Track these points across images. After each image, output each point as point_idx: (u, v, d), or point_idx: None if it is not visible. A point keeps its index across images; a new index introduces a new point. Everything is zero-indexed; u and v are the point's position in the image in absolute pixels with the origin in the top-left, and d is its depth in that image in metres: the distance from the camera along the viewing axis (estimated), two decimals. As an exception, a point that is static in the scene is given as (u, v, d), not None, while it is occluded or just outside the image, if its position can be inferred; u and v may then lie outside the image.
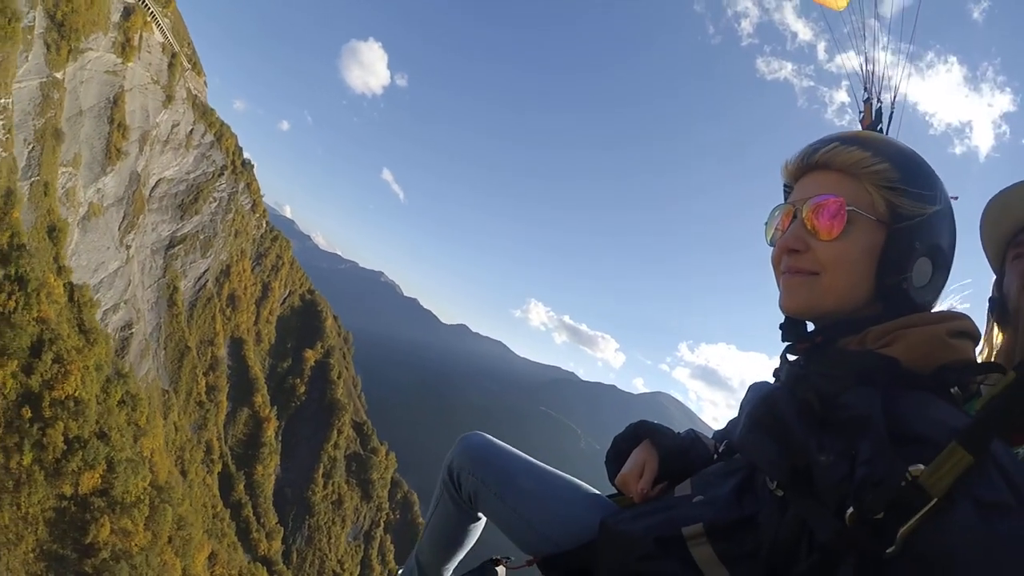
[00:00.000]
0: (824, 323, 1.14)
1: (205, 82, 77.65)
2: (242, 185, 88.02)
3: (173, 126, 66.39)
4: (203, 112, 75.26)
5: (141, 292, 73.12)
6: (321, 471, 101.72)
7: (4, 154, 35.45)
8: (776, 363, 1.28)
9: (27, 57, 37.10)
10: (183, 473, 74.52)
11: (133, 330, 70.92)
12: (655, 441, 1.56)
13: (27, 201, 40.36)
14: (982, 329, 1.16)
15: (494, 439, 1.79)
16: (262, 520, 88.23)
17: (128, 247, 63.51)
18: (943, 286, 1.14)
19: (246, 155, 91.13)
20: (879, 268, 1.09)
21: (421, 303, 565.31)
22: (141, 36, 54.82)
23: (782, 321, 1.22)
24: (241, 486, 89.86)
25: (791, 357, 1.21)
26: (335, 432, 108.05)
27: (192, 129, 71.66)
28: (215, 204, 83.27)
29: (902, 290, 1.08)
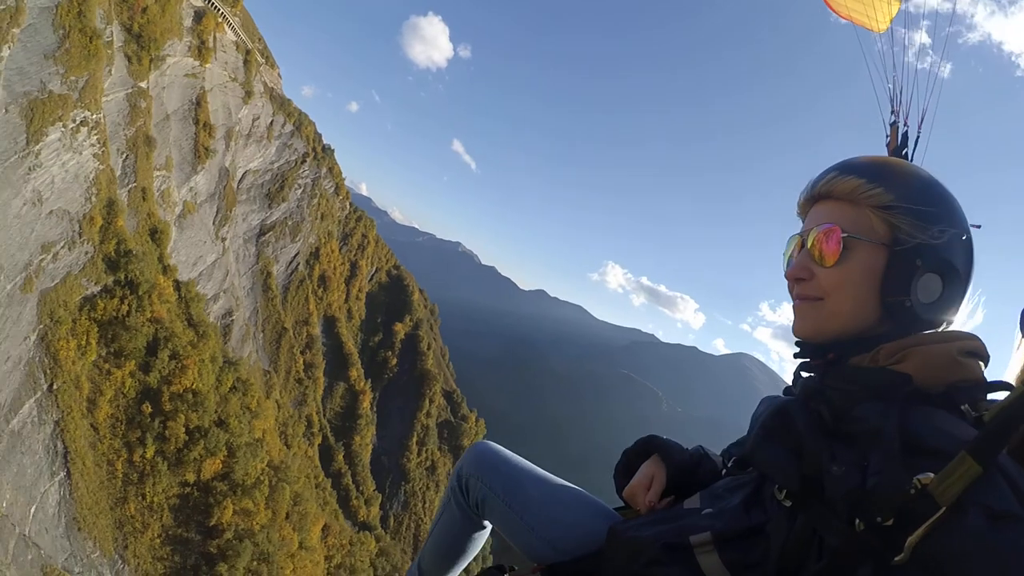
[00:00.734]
0: (835, 343, 1.17)
1: (279, 74, 79.23)
2: (324, 170, 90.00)
3: (254, 120, 68.16)
4: (281, 103, 76.95)
5: (237, 280, 77.14)
6: (415, 439, 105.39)
7: (102, 167, 37.04)
8: None
9: (110, 71, 38.42)
10: (287, 446, 79.38)
11: (233, 317, 75.20)
12: (664, 456, 1.58)
13: (127, 208, 42.26)
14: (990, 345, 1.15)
15: (503, 449, 1.79)
16: (361, 488, 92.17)
17: (223, 239, 66.64)
18: (958, 301, 1.14)
19: (325, 141, 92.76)
20: (882, 289, 1.11)
21: (499, 270, 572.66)
22: (215, 37, 56.00)
23: (797, 340, 1.25)
24: (340, 456, 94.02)
25: (805, 373, 1.25)
26: (427, 401, 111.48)
27: (272, 121, 73.38)
28: (300, 190, 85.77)
29: (906, 308, 1.10)
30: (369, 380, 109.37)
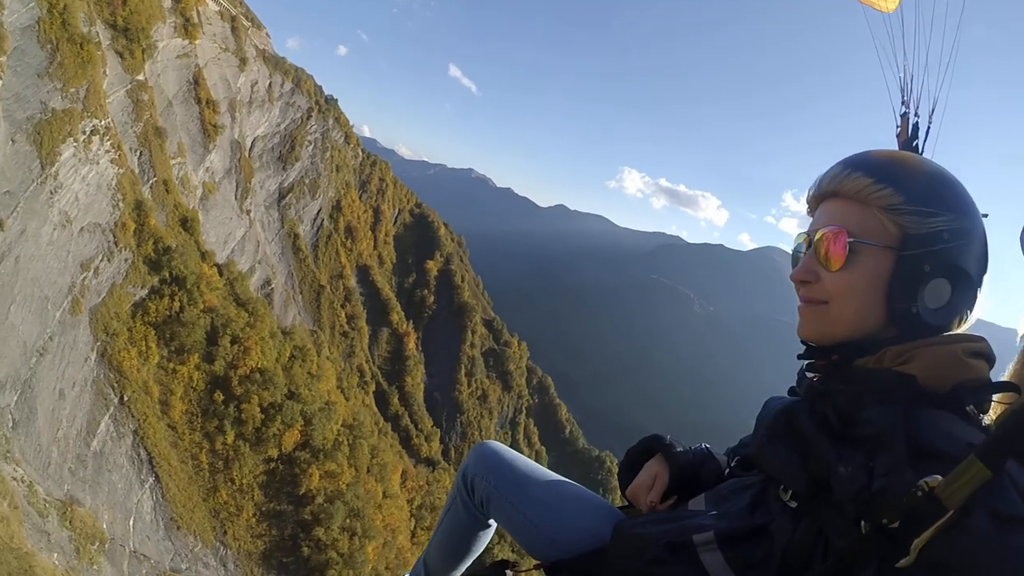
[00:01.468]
0: (840, 346, 1.16)
1: (267, 34, 75.24)
2: (331, 121, 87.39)
3: (253, 86, 65.45)
4: (275, 63, 73.86)
5: (267, 248, 77.42)
6: (463, 371, 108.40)
7: (122, 170, 36.08)
8: None
9: (105, 72, 36.51)
10: (346, 399, 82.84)
11: (272, 285, 76.24)
12: (667, 455, 1.59)
13: (153, 203, 41.55)
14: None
15: (507, 448, 1.81)
16: (419, 426, 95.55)
17: (248, 212, 66.11)
18: (968, 305, 1.12)
19: (327, 92, 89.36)
20: (889, 295, 1.10)
21: (515, 191, 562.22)
22: (197, 12, 52.83)
23: (803, 341, 1.26)
24: (395, 399, 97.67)
25: (809, 374, 1.24)
26: (469, 333, 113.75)
27: (270, 83, 70.52)
28: (311, 147, 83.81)
29: (913, 314, 1.09)
30: (410, 321, 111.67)
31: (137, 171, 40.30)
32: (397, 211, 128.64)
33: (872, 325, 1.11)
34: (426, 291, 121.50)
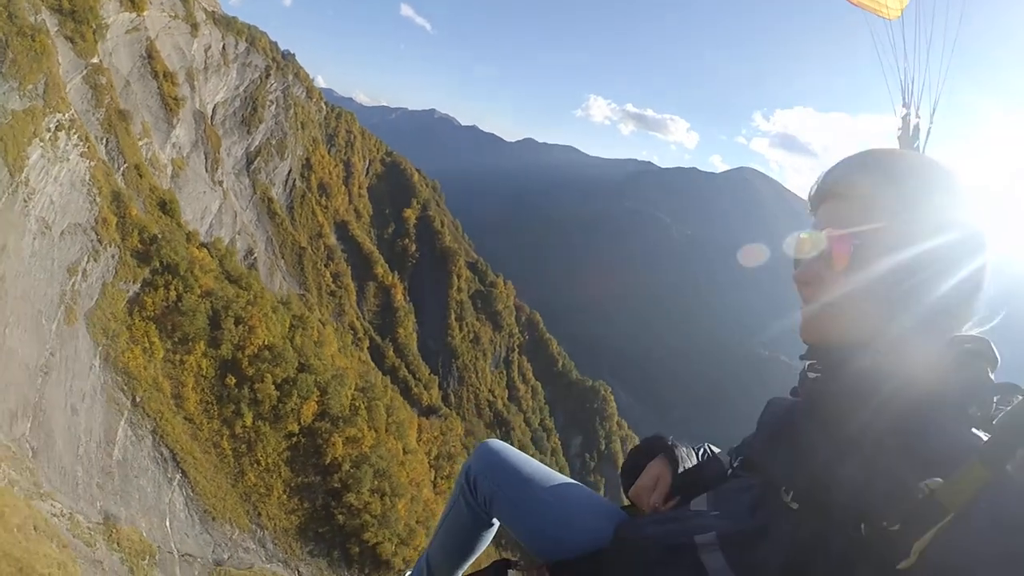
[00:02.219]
0: (842, 347, 1.16)
1: (213, -8, 69.31)
2: (291, 77, 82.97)
3: (207, 51, 61.12)
4: (226, 24, 69.13)
5: (244, 217, 74.92)
6: (453, 316, 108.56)
7: (93, 163, 33.84)
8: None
9: (58, 60, 33.22)
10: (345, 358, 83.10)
11: (255, 255, 74.43)
12: (670, 456, 1.60)
13: (129, 191, 39.49)
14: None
15: (511, 447, 1.83)
16: (417, 376, 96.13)
17: (220, 183, 63.39)
18: (971, 307, 1.10)
19: (283, 48, 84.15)
20: (891, 295, 1.09)
21: (481, 128, 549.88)
22: None
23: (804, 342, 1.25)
24: (391, 352, 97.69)
25: (811, 374, 1.23)
26: (455, 277, 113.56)
27: (224, 44, 65.99)
28: (274, 107, 79.92)
29: (916, 315, 1.08)
30: (395, 273, 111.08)
31: (107, 160, 37.85)
32: (368, 162, 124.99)
33: (875, 326, 1.10)
34: (407, 240, 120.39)
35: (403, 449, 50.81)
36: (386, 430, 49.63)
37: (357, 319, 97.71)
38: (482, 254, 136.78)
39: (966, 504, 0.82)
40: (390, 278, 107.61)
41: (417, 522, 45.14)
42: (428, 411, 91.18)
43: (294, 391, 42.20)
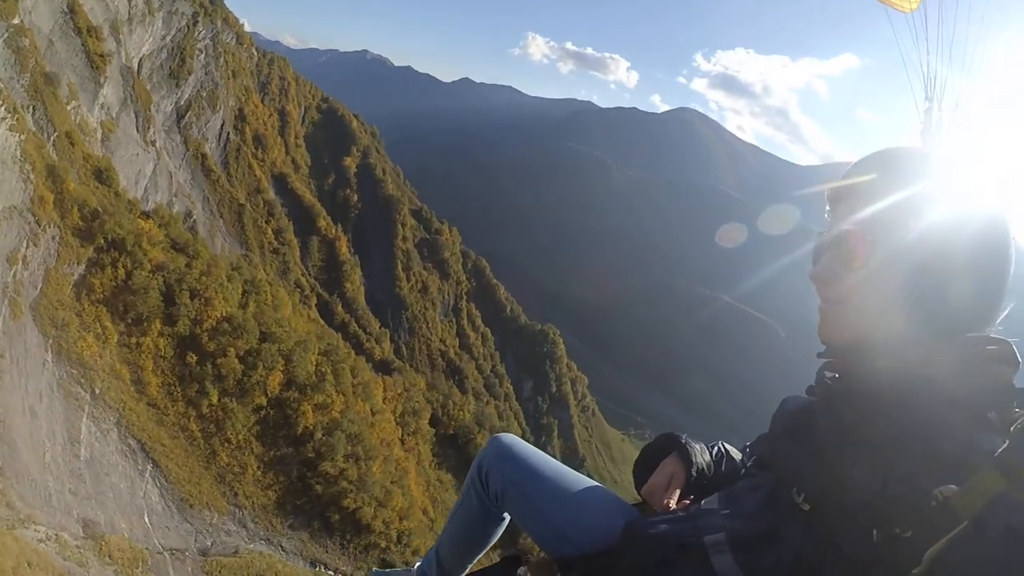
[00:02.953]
0: (859, 347, 1.16)
1: (133, -63, 60.63)
2: (219, 23, 76.20)
3: (130, 1, 54.36)
4: None
5: (178, 176, 70.16)
6: (399, 267, 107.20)
7: (23, 136, 30.71)
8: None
9: None
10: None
11: (194, 216, 70.42)
12: (683, 455, 1.59)
13: (63, 163, 36.35)
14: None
15: (523, 442, 1.87)
16: (368, 330, 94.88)
17: (153, 142, 58.80)
18: (993, 306, 1.09)
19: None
20: (909, 294, 1.07)
21: (416, 68, 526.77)
22: None
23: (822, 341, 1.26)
24: (339, 307, 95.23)
25: (828, 374, 1.25)
26: (399, 226, 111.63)
27: (146, -9, 58.82)
28: (203, 56, 73.59)
29: (935, 314, 1.06)
30: (338, 225, 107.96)
31: (36, 130, 34.48)
32: (304, 109, 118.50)
33: (892, 325, 1.09)
34: (348, 190, 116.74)
35: (371, 410, 50.39)
36: (353, 393, 48.80)
37: (303, 276, 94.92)
38: (425, 201, 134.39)
39: (980, 512, 0.80)
40: (333, 230, 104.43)
41: (392, 483, 45.67)
42: (382, 366, 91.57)
43: (259, 362, 40.62)
